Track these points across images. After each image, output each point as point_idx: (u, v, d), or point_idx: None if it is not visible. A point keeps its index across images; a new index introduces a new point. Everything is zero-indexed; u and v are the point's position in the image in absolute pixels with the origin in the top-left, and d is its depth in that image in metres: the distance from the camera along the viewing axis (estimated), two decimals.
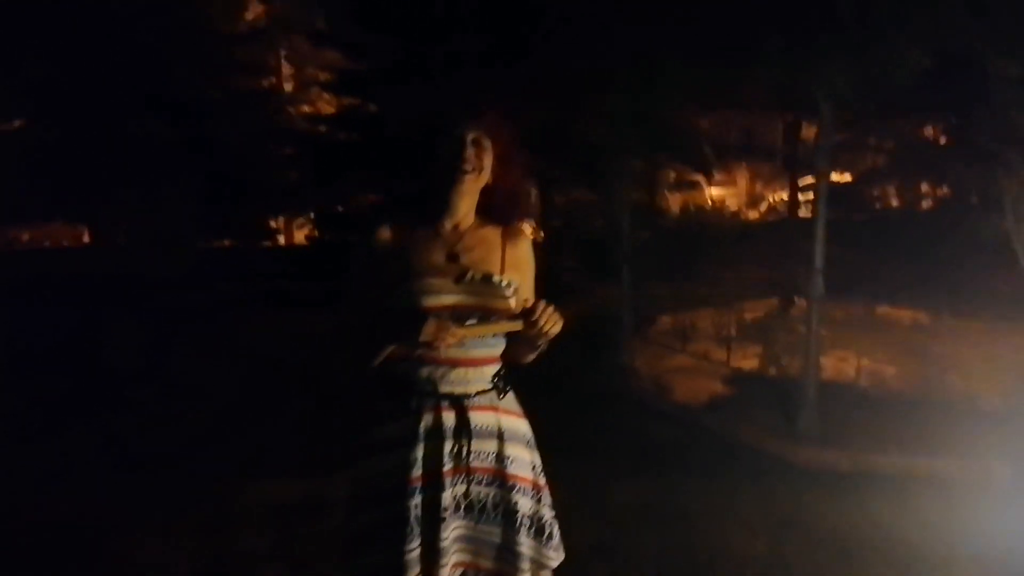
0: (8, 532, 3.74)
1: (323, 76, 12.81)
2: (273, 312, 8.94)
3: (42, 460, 4.74)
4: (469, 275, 1.90)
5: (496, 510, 1.95)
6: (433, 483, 1.88)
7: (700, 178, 23.36)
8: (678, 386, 5.83)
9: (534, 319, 1.83)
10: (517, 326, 1.88)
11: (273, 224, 13.24)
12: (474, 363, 1.93)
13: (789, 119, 15.38)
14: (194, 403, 5.74)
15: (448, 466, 1.89)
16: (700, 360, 6.17)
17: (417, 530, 1.87)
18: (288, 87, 16.80)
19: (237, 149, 11.16)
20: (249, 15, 12.84)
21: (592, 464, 4.69)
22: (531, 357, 2.03)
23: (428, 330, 1.80)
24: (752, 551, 3.67)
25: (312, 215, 12.11)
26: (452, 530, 1.90)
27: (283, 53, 17.75)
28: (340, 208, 11.89)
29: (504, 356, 2.05)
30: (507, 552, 1.96)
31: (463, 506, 1.92)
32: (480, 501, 1.94)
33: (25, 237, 18.49)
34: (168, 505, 4.03)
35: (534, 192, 2.08)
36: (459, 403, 1.92)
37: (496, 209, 2.00)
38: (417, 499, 1.88)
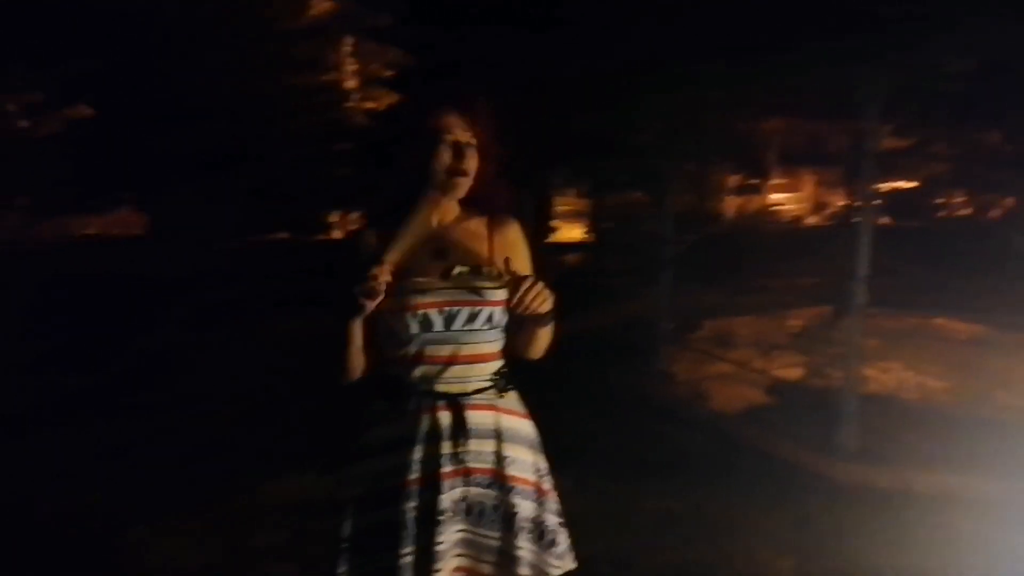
0: (27, 521, 3.83)
1: (385, 72, 12.96)
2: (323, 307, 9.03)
3: (77, 448, 4.84)
4: (457, 270, 1.88)
5: (496, 512, 1.92)
6: (430, 485, 1.86)
7: (764, 183, 23.00)
8: (716, 394, 5.69)
9: (519, 294, 1.79)
10: (500, 288, 1.86)
11: (330, 219, 13.41)
12: (470, 360, 1.90)
13: (856, 124, 14.98)
14: (229, 397, 5.81)
15: (447, 468, 1.86)
16: (741, 368, 6.01)
17: (413, 534, 1.85)
18: (352, 83, 17.01)
19: (295, 144, 11.33)
20: (311, 12, 13.02)
21: (620, 472, 4.60)
22: (535, 348, 2.01)
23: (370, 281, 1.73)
24: (778, 570, 3.55)
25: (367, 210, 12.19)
26: (453, 533, 1.87)
27: (347, 49, 18.00)
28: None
29: (507, 351, 2.01)
30: (506, 557, 1.93)
31: (463, 509, 1.90)
32: (480, 503, 1.91)
33: (90, 228, 19.13)
34: (189, 499, 4.08)
35: (512, 186, 2.02)
36: (456, 403, 1.89)
37: (478, 200, 1.97)
38: (413, 503, 1.86)
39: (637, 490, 4.37)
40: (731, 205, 13.05)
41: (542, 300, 1.82)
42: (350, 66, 18.35)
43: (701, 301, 7.73)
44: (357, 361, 1.87)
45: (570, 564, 2.03)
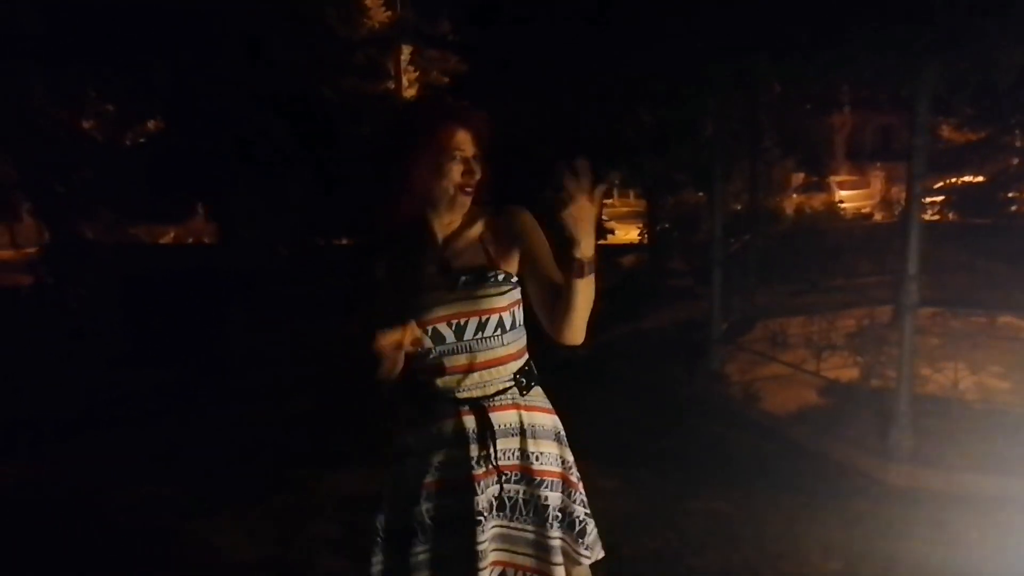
0: (94, 512, 4.05)
1: (443, 78, 13.15)
2: None
3: (148, 443, 5.08)
4: (462, 280, 1.91)
5: (527, 507, 1.97)
6: (463, 487, 1.91)
7: (831, 180, 22.57)
8: (769, 395, 5.64)
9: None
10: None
11: None
12: (487, 365, 1.94)
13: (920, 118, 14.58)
14: (293, 394, 6.01)
15: (478, 470, 1.91)
16: (796, 369, 5.94)
17: (447, 534, 1.91)
18: (413, 91, 17.27)
19: (355, 150, 11.54)
20: (371, 20, 13.29)
21: (668, 471, 4.63)
22: (574, 321, 1.85)
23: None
24: (826, 572, 3.53)
25: None
26: (490, 530, 1.93)
27: (407, 56, 18.26)
28: None
29: (529, 348, 2.04)
30: (540, 548, 1.98)
31: (495, 506, 1.95)
32: (511, 498, 1.97)
33: (170, 235, 19.81)
34: (246, 493, 4.25)
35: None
36: (479, 406, 1.93)
37: (475, 203, 1.99)
38: (432, 503, 1.92)
39: (685, 489, 4.38)
40: (793, 203, 12.82)
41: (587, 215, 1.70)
42: (410, 72, 18.63)
43: (757, 301, 7.67)
44: (390, 366, 1.89)
45: (599, 553, 2.07)
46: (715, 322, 6.13)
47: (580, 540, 2.02)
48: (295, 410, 5.66)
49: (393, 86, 15.60)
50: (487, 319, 1.91)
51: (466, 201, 1.93)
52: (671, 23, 6.31)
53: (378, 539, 1.98)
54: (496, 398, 1.95)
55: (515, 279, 1.96)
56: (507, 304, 1.94)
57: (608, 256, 11.86)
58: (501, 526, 1.96)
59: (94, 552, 3.67)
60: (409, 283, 1.91)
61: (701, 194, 10.59)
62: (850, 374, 5.72)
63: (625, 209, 13.49)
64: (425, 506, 1.92)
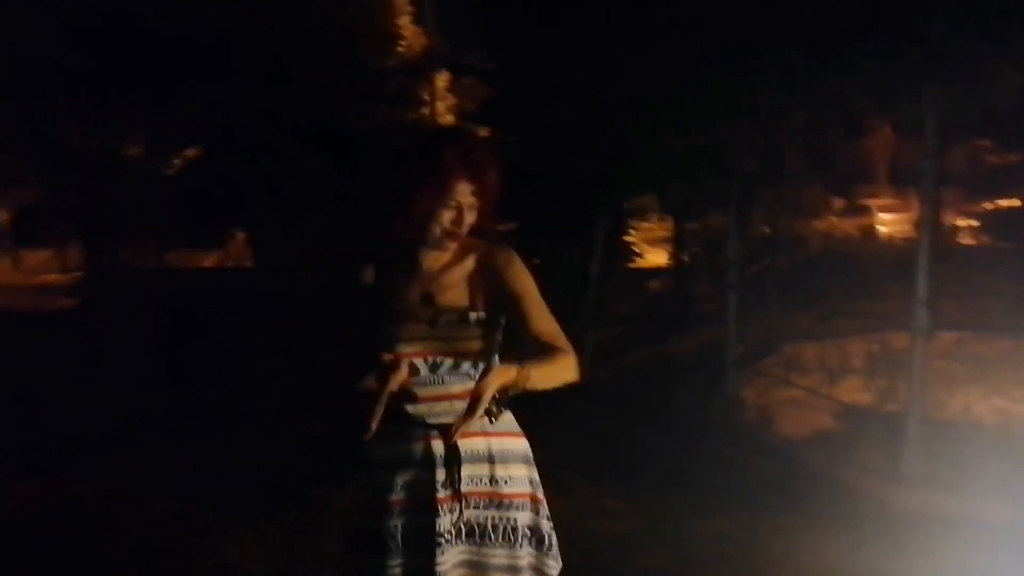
0: (114, 525, 4.18)
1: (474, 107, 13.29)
2: None
3: (166, 460, 5.22)
4: (444, 318, 1.94)
5: (496, 531, 1.98)
6: (425, 507, 1.93)
7: (871, 203, 22.22)
8: (784, 419, 5.63)
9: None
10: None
11: None
12: (458, 397, 1.93)
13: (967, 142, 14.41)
14: (307, 413, 6.12)
15: (442, 493, 1.92)
16: (813, 394, 5.92)
17: (406, 553, 1.93)
18: (445, 118, 17.50)
19: (384, 176, 11.73)
20: (404, 48, 13.52)
21: (676, 493, 4.65)
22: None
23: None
24: None
25: None
26: (455, 555, 1.94)
27: (445, 83, 18.50)
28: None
29: None
30: (511, 571, 1.99)
31: (464, 531, 1.96)
32: (480, 524, 1.97)
33: (211, 259, 20.26)
34: (264, 507, 4.35)
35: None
36: (447, 431, 1.91)
37: (468, 240, 2.01)
38: (399, 520, 1.94)
39: (691, 511, 4.40)
40: (824, 226, 12.71)
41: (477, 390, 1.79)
42: (448, 99, 18.88)
43: (777, 325, 7.64)
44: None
45: (560, 564, 2.11)
46: (731, 346, 6.14)
47: (548, 553, 2.07)
48: (309, 429, 5.77)
49: (428, 113, 15.86)
50: (461, 360, 1.94)
51: (450, 245, 1.96)
52: (706, 52, 6.38)
53: (351, 548, 2.00)
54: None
55: (497, 320, 1.99)
56: (480, 347, 1.96)
57: (635, 280, 11.86)
58: (469, 552, 1.97)
59: (107, 566, 3.79)
60: (390, 311, 1.95)
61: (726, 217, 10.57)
62: (867, 398, 5.68)
63: (653, 232, 13.46)
64: (393, 522, 1.94)
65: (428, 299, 1.95)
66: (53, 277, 14.02)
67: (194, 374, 7.26)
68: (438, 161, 1.91)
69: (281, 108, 10.33)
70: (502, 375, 1.82)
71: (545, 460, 5.40)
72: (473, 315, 1.94)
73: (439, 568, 1.91)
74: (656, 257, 12.87)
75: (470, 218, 1.94)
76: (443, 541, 1.91)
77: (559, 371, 1.93)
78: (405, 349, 1.91)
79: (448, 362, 1.94)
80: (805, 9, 4.34)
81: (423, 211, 1.91)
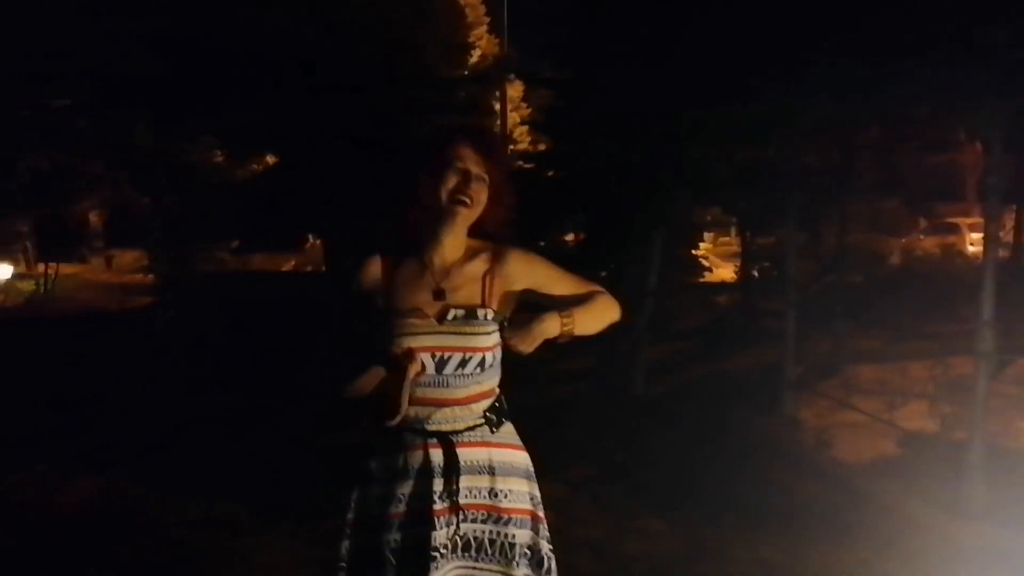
0: (156, 527, 4.28)
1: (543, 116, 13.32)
2: None
3: (213, 464, 5.34)
4: (452, 314, 1.93)
5: (493, 546, 1.96)
6: (422, 520, 1.90)
7: (959, 221, 21.41)
8: (842, 443, 5.41)
9: (506, 336, 1.93)
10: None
11: None
12: (460, 402, 1.95)
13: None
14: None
15: (439, 505, 1.90)
16: (872, 417, 5.68)
17: (403, 565, 1.90)
18: (516, 126, 17.63)
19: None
20: (474, 57, 13.67)
21: (721, 516, 4.49)
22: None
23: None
24: None
25: None
26: (451, 570, 1.92)
27: (519, 93, 18.62)
28: (545, 243, 12.27)
29: (501, 385, 2.07)
30: None
31: (460, 545, 1.93)
32: (477, 539, 1.95)
33: (291, 263, 20.81)
34: (302, 512, 4.39)
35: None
36: (447, 440, 1.93)
37: (484, 237, 2.04)
38: (398, 534, 1.92)
39: (735, 536, 4.25)
40: (896, 244, 12.27)
41: (521, 342, 1.93)
42: (522, 109, 19.00)
43: (843, 345, 7.38)
44: (363, 383, 1.95)
45: None
46: (788, 366, 5.95)
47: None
48: (355, 437, 5.83)
49: (498, 123, 15.96)
50: (470, 357, 1.93)
51: (460, 213, 1.94)
52: (774, 65, 6.23)
53: (343, 566, 1.98)
54: (465, 434, 1.95)
55: (503, 320, 1.99)
56: (492, 344, 1.96)
57: (703, 295, 11.65)
58: (464, 567, 1.94)
59: (144, 566, 3.89)
60: (401, 304, 1.94)
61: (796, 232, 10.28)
62: (931, 424, 5.42)
63: (733, 247, 13.24)
64: (390, 536, 1.92)
65: (438, 295, 1.95)
66: (139, 277, 14.60)
67: (256, 378, 7.43)
68: (445, 131, 2.01)
69: (353, 117, 10.54)
70: (550, 326, 1.95)
71: (588, 475, 5.37)
72: (482, 312, 1.94)
73: None
74: (727, 272, 12.64)
75: (479, 194, 1.94)
76: (438, 555, 1.88)
77: (601, 311, 2.07)
78: (411, 344, 1.89)
79: (456, 358, 1.92)
80: (866, 18, 4.19)
81: (431, 175, 1.93)
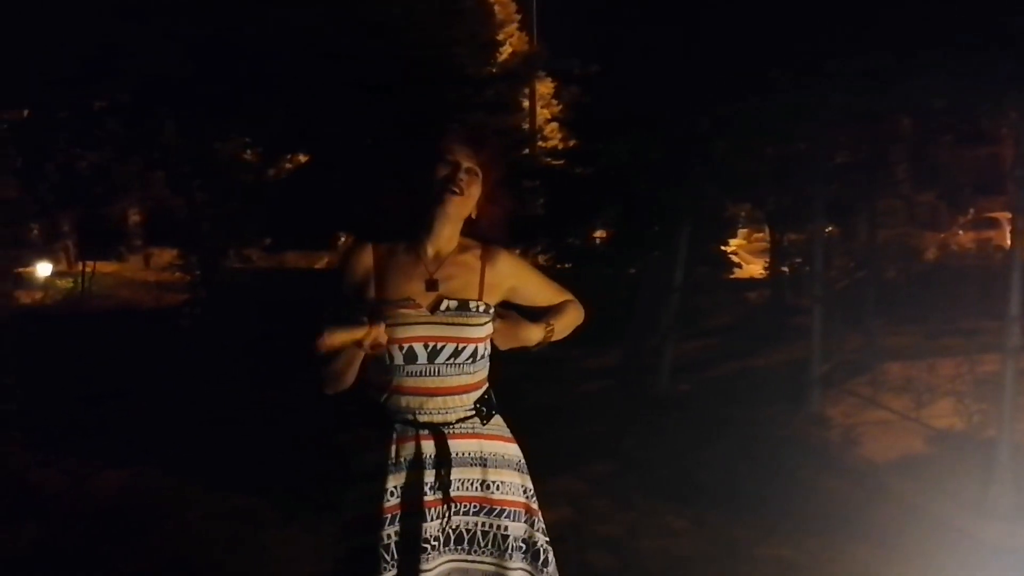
0: (180, 518, 4.35)
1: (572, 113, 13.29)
2: None
3: (239, 457, 5.40)
4: (445, 305, 1.95)
5: (486, 538, 1.97)
6: (414, 513, 1.91)
7: (1000, 216, 20.93)
8: (870, 441, 5.33)
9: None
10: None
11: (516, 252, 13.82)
12: (452, 391, 1.96)
13: None
14: None
15: (430, 497, 1.91)
16: (903, 416, 5.59)
17: (397, 560, 1.91)
18: (545, 124, 17.59)
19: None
20: (504, 55, 13.68)
21: (744, 514, 4.45)
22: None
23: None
24: None
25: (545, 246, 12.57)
26: (443, 563, 1.93)
27: (551, 90, 18.58)
28: (575, 240, 12.24)
29: (491, 377, 2.08)
30: None
31: (452, 538, 1.95)
32: (469, 531, 1.96)
33: (324, 260, 20.98)
34: (326, 504, 4.43)
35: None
36: (439, 432, 1.95)
37: (476, 234, 2.07)
38: (393, 528, 1.92)
39: (757, 534, 4.20)
40: (931, 239, 12.04)
41: (500, 338, 2.03)
42: (553, 106, 18.96)
43: (873, 342, 7.26)
44: (342, 368, 1.94)
45: None
46: (815, 362, 5.87)
47: (544, 569, 2.02)
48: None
49: (528, 121, 15.96)
50: (463, 347, 1.95)
51: (450, 201, 1.96)
52: (806, 62, 6.16)
53: (341, 564, 1.99)
54: (456, 426, 1.97)
55: (493, 311, 2.02)
56: (484, 336, 2.00)
57: (734, 291, 11.54)
58: (457, 560, 1.95)
59: (169, 557, 3.95)
60: (393, 293, 1.96)
61: (830, 228, 10.14)
62: (960, 422, 5.32)
63: (755, 243, 13.11)
64: (388, 530, 1.92)
65: (431, 285, 1.98)
66: (176, 275, 14.80)
67: (282, 373, 7.51)
68: (437, 130, 2.12)
69: (383, 116, 10.60)
70: (533, 334, 2.08)
71: (609, 472, 5.35)
72: (474, 304, 1.98)
73: (425, 575, 1.87)
74: (758, 268, 12.51)
75: (472, 188, 1.98)
76: (429, 547, 1.89)
77: (573, 321, 2.20)
78: (404, 334, 1.91)
79: (448, 349, 1.94)
80: (892, 10, 4.11)
81: (423, 166, 1.99)
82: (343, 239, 18.10)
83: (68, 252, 19.74)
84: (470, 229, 2.05)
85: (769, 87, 6.61)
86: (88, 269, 15.33)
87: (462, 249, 2.05)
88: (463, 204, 1.99)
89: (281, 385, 7.30)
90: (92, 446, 5.63)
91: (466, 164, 1.97)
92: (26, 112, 11.80)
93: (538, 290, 2.17)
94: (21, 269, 11.62)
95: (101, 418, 6.36)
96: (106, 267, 17.45)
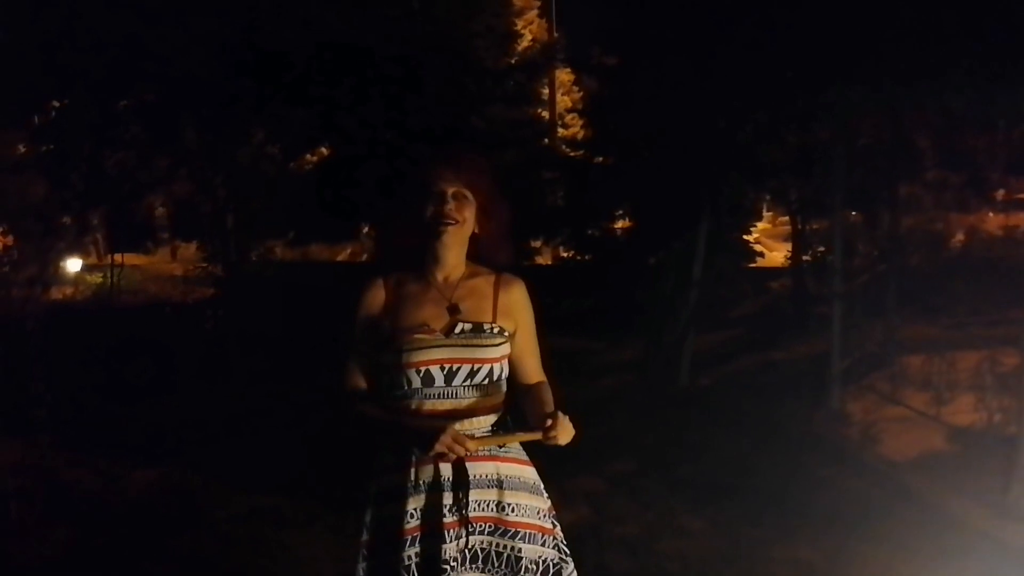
0: (205, 518, 4.44)
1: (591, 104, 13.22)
2: None
3: (262, 455, 5.49)
4: (460, 327, 2.00)
5: (500, 559, 2.00)
6: (433, 534, 1.96)
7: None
8: (890, 438, 5.30)
9: (551, 434, 1.91)
10: (535, 436, 1.95)
11: (534, 244, 13.85)
12: (471, 413, 2.00)
13: None
14: None
15: (449, 519, 1.95)
16: (923, 413, 5.55)
17: None
18: (563, 114, 17.53)
19: (506, 175, 11.87)
20: (522, 45, 13.61)
21: (761, 513, 4.47)
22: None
23: (444, 441, 1.88)
24: None
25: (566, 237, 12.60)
26: None
27: (564, 79, 18.48)
28: (595, 231, 12.24)
29: (508, 401, 2.11)
30: None
31: (468, 557, 1.98)
32: (484, 551, 2.00)
33: (347, 251, 21.12)
34: (347, 506, 4.50)
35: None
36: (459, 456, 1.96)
37: (483, 257, 2.11)
38: (413, 550, 1.96)
39: (773, 534, 4.22)
40: (958, 227, 11.83)
41: (568, 436, 1.93)
42: (573, 93, 18.86)
43: (896, 335, 7.19)
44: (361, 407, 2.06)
45: None
46: (834, 358, 5.85)
47: None
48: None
49: (547, 111, 15.91)
50: (478, 368, 1.99)
51: (445, 232, 2.00)
52: (827, 46, 6.10)
53: None
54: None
55: (507, 334, 2.06)
56: (499, 356, 2.03)
57: (755, 280, 11.47)
58: None
59: (194, 557, 4.04)
60: (407, 321, 2.00)
61: (854, 213, 10.02)
62: (982, 419, 5.29)
63: (776, 230, 12.99)
64: (406, 553, 1.96)
65: (452, 310, 2.02)
66: (203, 268, 14.94)
67: (307, 370, 7.60)
68: (424, 160, 2.13)
69: (405, 107, 10.62)
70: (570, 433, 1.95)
71: (628, 470, 5.36)
72: (488, 326, 2.01)
73: None
74: (780, 255, 12.41)
75: (465, 212, 2.01)
76: (448, 568, 1.93)
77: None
78: (421, 357, 1.96)
79: (464, 370, 1.98)
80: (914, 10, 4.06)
81: (411, 201, 2.02)
82: (366, 230, 18.20)
83: (98, 245, 20.03)
84: (475, 248, 2.09)
85: (798, 76, 6.57)
86: (117, 262, 15.53)
87: (473, 274, 2.09)
88: (459, 231, 2.03)
89: (305, 381, 7.41)
90: (122, 446, 5.74)
91: (451, 190, 2.00)
92: (54, 112, 11.95)
93: (526, 346, 2.14)
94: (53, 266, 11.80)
95: (131, 417, 6.48)
96: (134, 259, 17.67)
